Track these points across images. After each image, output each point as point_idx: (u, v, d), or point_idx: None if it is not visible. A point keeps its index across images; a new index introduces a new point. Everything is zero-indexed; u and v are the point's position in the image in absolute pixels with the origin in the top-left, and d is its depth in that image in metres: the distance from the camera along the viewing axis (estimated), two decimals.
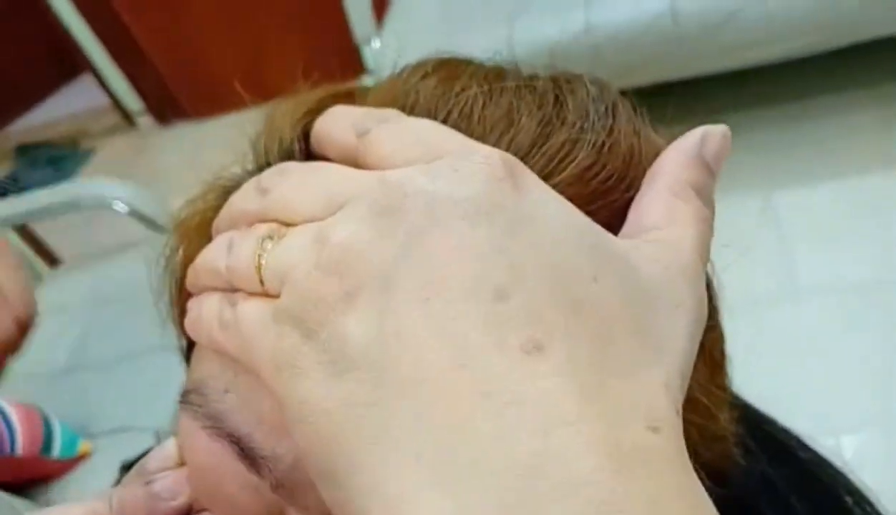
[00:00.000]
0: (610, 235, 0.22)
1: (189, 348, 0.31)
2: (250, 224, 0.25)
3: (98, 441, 1.00)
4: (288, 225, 0.23)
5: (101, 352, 1.10)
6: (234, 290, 0.24)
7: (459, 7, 1.81)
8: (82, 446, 0.99)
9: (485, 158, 0.21)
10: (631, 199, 0.24)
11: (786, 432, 0.40)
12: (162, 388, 0.99)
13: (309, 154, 0.27)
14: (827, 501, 0.38)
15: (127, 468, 0.32)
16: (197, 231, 0.29)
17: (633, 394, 0.18)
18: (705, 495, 0.18)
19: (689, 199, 0.23)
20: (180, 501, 0.26)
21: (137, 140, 2.81)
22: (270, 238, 0.23)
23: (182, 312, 0.30)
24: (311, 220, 0.22)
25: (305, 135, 0.27)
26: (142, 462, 0.28)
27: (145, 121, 2.81)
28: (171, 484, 0.26)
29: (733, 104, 1.81)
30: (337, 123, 0.26)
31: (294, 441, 0.21)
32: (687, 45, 1.58)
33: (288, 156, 0.27)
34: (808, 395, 1.32)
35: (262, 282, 0.22)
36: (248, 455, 0.24)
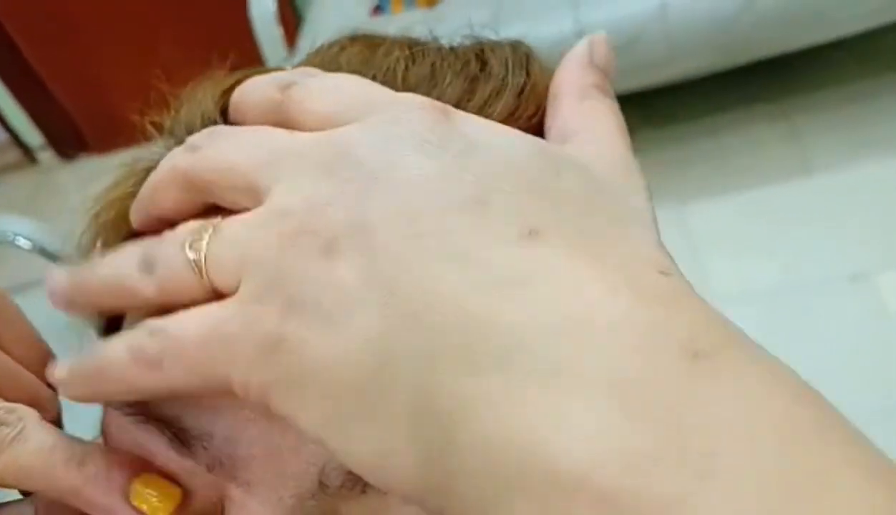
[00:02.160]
0: (551, 144, 0.23)
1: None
2: (179, 186, 0.23)
3: (7, 495, 0.94)
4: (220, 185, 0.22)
5: None
6: (162, 313, 0.21)
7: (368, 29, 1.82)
8: None
9: (419, 104, 0.21)
10: None
11: None
12: (73, 432, 0.95)
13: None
14: None
15: None
16: (115, 222, 0.28)
17: (635, 251, 0.19)
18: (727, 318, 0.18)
19: (598, 98, 0.24)
20: None
21: (39, 176, 2.70)
22: (198, 238, 0.21)
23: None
24: (247, 177, 0.21)
25: (225, 112, 0.26)
26: None
27: (47, 156, 2.71)
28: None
29: (641, 123, 1.87)
30: (257, 84, 0.25)
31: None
32: None
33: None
34: None
35: (209, 285, 0.20)
36: (178, 437, 0.22)
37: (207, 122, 0.26)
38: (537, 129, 0.25)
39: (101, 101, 2.51)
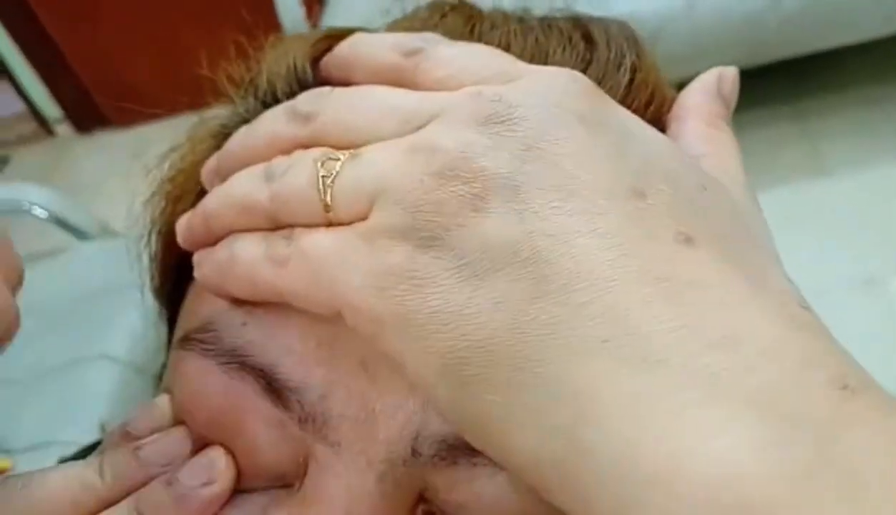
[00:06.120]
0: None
1: (171, 304, 0.27)
2: (288, 153, 0.22)
3: (18, 457, 0.95)
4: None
5: (18, 366, 1.05)
6: (277, 227, 0.21)
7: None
8: (1, 462, 0.94)
9: (572, 76, 0.21)
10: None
11: None
12: (84, 402, 0.95)
13: (321, 83, 0.24)
14: None
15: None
16: (185, 189, 0.26)
17: (778, 280, 0.19)
18: None
19: (723, 128, 0.24)
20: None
21: (55, 149, 2.70)
22: (333, 158, 0.20)
23: (170, 278, 0.27)
24: (383, 140, 0.20)
25: (315, 64, 0.25)
26: (126, 422, 0.24)
27: (64, 128, 2.71)
28: (162, 449, 0.23)
29: None
30: (372, 43, 0.24)
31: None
32: None
33: (300, 82, 0.25)
34: None
35: (327, 208, 0.20)
36: (274, 388, 0.21)
37: (295, 76, 0.25)
38: (663, 115, 0.25)
39: (120, 76, 2.51)
